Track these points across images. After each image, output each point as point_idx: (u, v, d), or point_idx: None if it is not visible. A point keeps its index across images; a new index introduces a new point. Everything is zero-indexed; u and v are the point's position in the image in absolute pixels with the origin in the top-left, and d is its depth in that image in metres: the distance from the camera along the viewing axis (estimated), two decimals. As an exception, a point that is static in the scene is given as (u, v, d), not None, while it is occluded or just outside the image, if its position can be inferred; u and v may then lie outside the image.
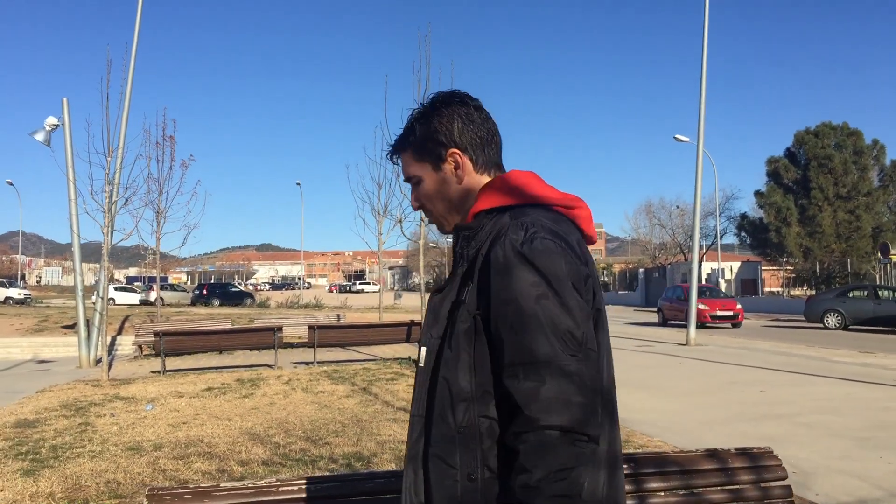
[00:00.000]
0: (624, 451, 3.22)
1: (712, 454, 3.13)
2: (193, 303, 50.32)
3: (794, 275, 49.01)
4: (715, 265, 49.29)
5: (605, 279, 71.22)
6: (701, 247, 61.46)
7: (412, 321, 16.13)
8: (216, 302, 51.35)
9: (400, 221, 19.12)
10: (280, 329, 15.28)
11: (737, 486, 3.05)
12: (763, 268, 55.69)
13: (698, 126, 20.67)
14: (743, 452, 3.15)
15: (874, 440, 7.78)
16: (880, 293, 30.08)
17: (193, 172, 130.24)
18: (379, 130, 38.63)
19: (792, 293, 48.76)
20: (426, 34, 18.53)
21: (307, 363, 15.36)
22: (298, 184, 58.13)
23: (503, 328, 1.49)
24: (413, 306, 45.91)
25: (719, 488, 3.05)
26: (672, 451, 3.13)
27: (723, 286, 44.89)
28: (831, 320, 29.08)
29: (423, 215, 1.92)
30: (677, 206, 64.50)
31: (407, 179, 1.85)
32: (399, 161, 1.86)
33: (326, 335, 15.44)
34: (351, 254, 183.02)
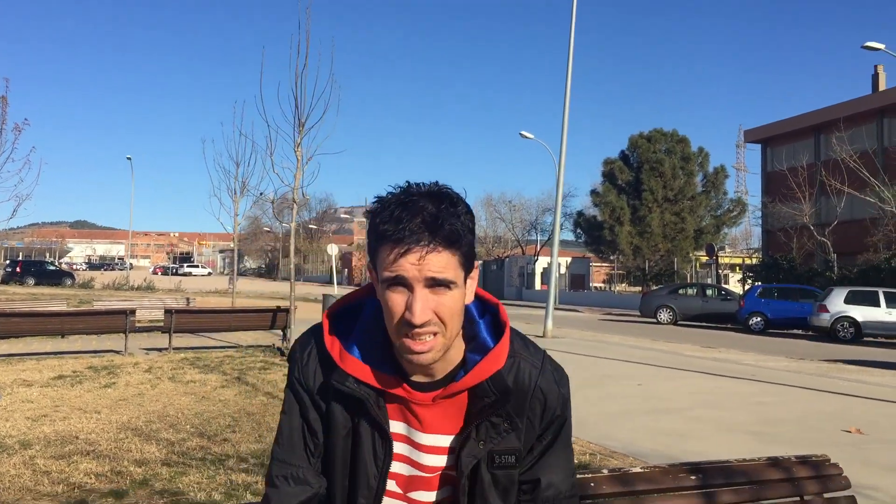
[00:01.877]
0: (685, 460, 2.95)
1: (775, 462, 2.91)
2: (5, 281, 46.18)
3: (621, 271, 51.61)
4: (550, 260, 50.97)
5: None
6: (536, 242, 63.66)
7: (278, 307, 15.34)
8: (31, 281, 47.44)
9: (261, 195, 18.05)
10: (133, 312, 14.07)
11: (807, 498, 2.85)
12: (592, 264, 58.29)
13: (562, 129, 21.06)
14: (804, 461, 2.95)
15: (768, 435, 8.05)
16: (708, 291, 32.15)
17: (28, 139, 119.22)
18: (239, 106, 36.81)
19: (615, 289, 51.35)
20: (307, 5, 17.50)
21: (161, 349, 14.25)
22: (129, 158, 54.64)
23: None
24: (253, 291, 44.40)
25: (789, 499, 2.84)
26: (735, 461, 2.89)
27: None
28: (664, 315, 30.74)
29: (414, 336, 1.50)
30: (509, 201, 66.17)
31: (433, 283, 1.47)
32: (431, 250, 1.46)
33: (186, 320, 14.37)
34: (176, 235, 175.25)
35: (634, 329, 26.90)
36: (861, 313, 24.48)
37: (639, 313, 32.88)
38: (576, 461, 6.23)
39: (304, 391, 1.67)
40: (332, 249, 43.16)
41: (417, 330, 1.48)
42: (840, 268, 34.29)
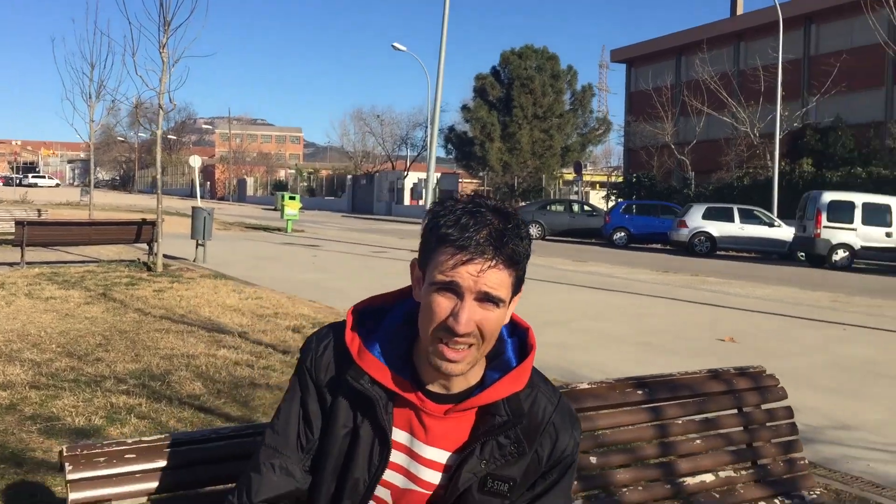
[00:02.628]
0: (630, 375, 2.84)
1: (716, 375, 2.84)
2: None
3: (489, 188, 52.18)
4: (423, 175, 50.82)
5: (312, 185, 70.72)
6: (406, 157, 63.25)
7: (144, 220, 14.43)
8: None
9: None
10: (-21, 224, 12.87)
11: (747, 409, 2.80)
12: (461, 180, 58.60)
13: (440, 43, 20.53)
14: (743, 373, 2.90)
15: (652, 345, 8.28)
16: (575, 207, 33.00)
17: None
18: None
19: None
20: None
21: (12, 264, 13.15)
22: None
23: None
24: (108, 203, 42.02)
25: (730, 412, 2.78)
26: (678, 374, 2.80)
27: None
28: (533, 230, 31.33)
29: (451, 343, 1.49)
30: (378, 115, 65.26)
31: (485, 297, 1.47)
32: (493, 266, 1.46)
33: (40, 233, 13.27)
34: (19, 143, 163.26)
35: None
36: (717, 228, 25.77)
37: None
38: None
39: (311, 381, 1.63)
40: (195, 161, 41.29)
41: (457, 339, 1.47)
42: (697, 185, 35.94)
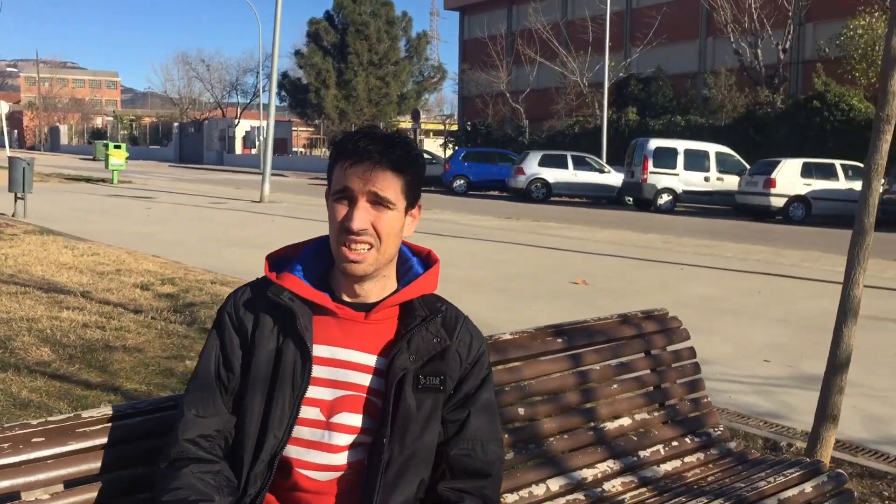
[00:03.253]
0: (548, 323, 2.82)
1: (625, 319, 2.87)
2: None
3: (321, 136, 51.41)
4: (255, 123, 49.20)
5: (134, 134, 66.69)
6: (237, 104, 60.92)
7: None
8: None
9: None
10: None
11: (655, 352, 2.85)
12: (294, 128, 57.30)
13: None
14: (649, 316, 2.95)
15: (512, 290, 8.44)
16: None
17: None
18: None
19: (320, 153, 51.19)
20: None
21: None
22: None
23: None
24: None
25: (640, 355, 2.83)
26: (592, 320, 2.80)
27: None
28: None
29: (350, 243, 1.62)
30: (204, 60, 62.33)
31: (375, 198, 1.61)
32: (378, 167, 1.61)
33: None
34: None
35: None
36: (552, 175, 26.64)
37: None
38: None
39: (231, 324, 1.68)
40: (2, 108, 37.74)
41: (354, 237, 1.59)
42: (531, 133, 36.95)
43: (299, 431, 1.64)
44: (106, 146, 29.28)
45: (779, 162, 21.39)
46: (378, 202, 1.61)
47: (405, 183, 1.65)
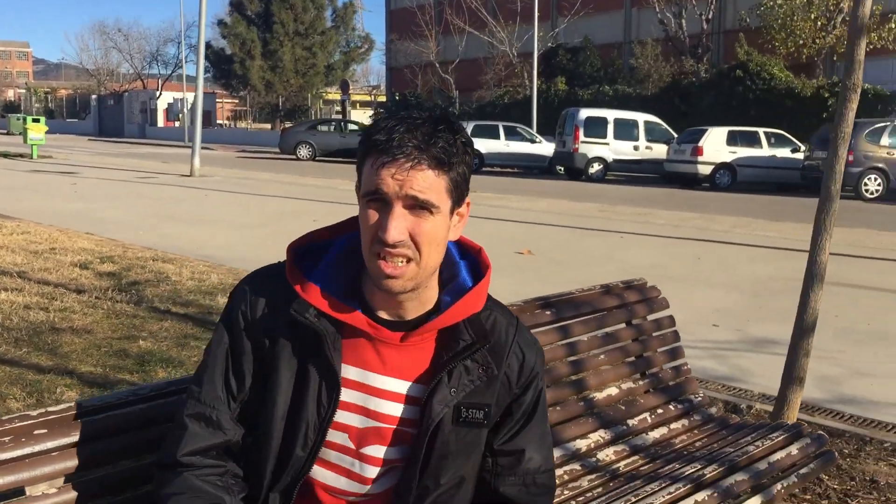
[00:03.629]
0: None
1: (608, 290, 2.90)
2: None
3: (246, 107, 50.39)
4: (178, 95, 47.82)
5: (50, 106, 64.07)
6: (158, 75, 59.07)
7: None
8: None
9: None
10: None
11: (636, 321, 2.89)
12: (219, 100, 55.95)
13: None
14: (629, 286, 2.98)
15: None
16: (346, 127, 32.66)
17: None
18: None
19: (246, 125, 50.19)
20: None
21: None
22: None
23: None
24: None
25: (622, 325, 2.86)
26: (577, 291, 2.81)
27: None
28: (303, 151, 30.76)
29: (385, 255, 1.37)
30: (120, 29, 60.25)
31: (414, 203, 1.35)
32: (416, 165, 1.34)
33: None
34: None
35: (278, 166, 26.57)
36: (484, 145, 26.64)
37: (278, 150, 32.48)
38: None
39: (243, 324, 1.49)
40: None
41: (389, 250, 1.35)
42: (461, 104, 36.90)
43: (326, 454, 1.50)
44: (23, 120, 28.09)
45: (705, 130, 21.88)
46: (417, 206, 1.35)
47: (451, 181, 1.38)
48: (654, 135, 24.46)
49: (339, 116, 40.37)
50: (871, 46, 27.47)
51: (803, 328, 3.36)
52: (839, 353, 5.29)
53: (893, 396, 4.42)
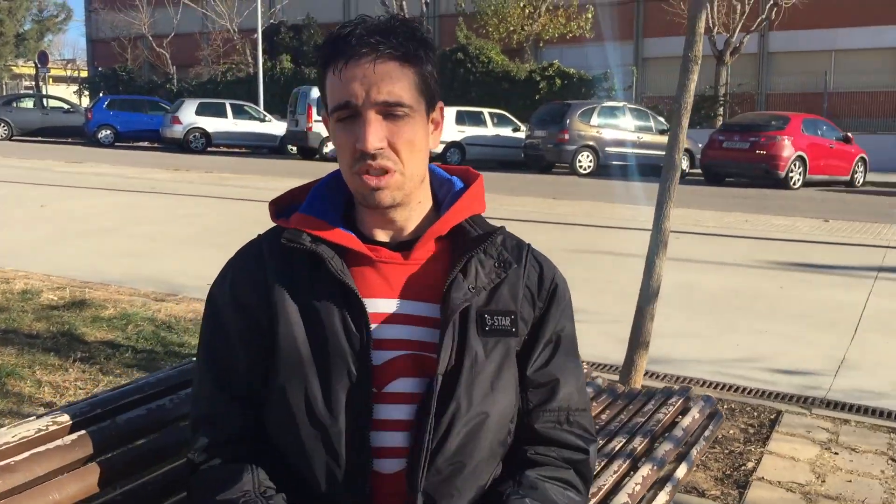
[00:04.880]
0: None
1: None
2: None
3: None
4: None
5: None
6: None
7: None
8: None
9: None
10: None
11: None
12: None
13: None
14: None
15: (226, 245, 7.85)
16: (47, 103, 29.47)
17: None
18: None
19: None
20: None
21: None
22: None
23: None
24: None
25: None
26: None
27: None
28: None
29: (368, 169, 1.25)
30: None
31: (385, 106, 1.23)
32: (380, 59, 1.23)
33: None
34: None
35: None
36: (211, 124, 25.41)
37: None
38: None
39: (232, 297, 1.31)
40: None
41: (371, 163, 1.24)
42: (179, 80, 34.82)
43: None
44: None
45: (436, 110, 22.55)
46: (391, 112, 1.24)
47: (420, 78, 1.27)
48: (384, 114, 24.76)
49: (35, 91, 36.35)
50: (571, 35, 30.09)
51: (648, 294, 3.45)
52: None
53: (692, 354, 4.77)
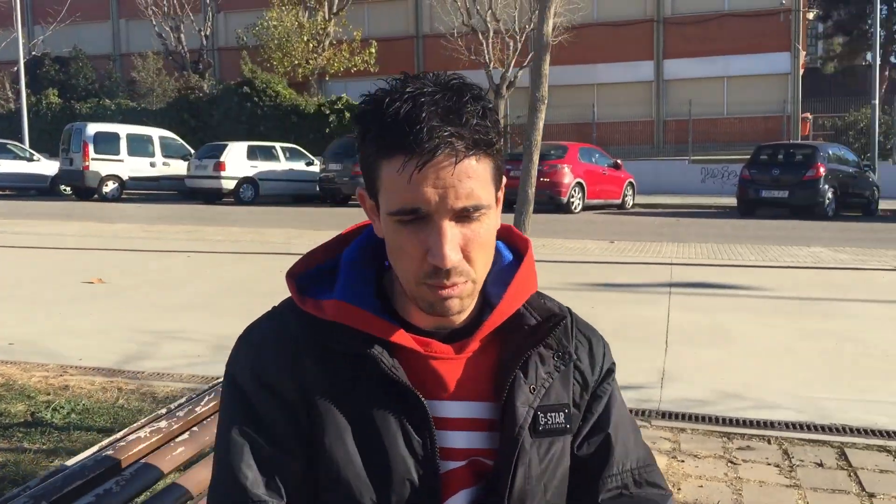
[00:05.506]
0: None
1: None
2: None
3: None
4: None
5: None
6: None
7: None
8: None
9: None
10: None
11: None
12: None
13: None
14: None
15: (18, 298, 7.20)
16: None
17: None
18: None
19: None
20: None
21: None
22: None
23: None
24: None
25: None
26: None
27: None
28: None
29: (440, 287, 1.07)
30: None
31: (463, 212, 1.05)
32: (460, 162, 1.03)
33: None
34: None
35: None
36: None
37: None
38: None
39: (261, 387, 1.11)
40: None
41: (445, 281, 1.06)
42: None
43: None
44: None
45: (226, 146, 21.96)
46: (468, 215, 1.05)
47: (495, 165, 1.09)
48: (170, 150, 23.75)
49: None
50: (356, 69, 30.52)
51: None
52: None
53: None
